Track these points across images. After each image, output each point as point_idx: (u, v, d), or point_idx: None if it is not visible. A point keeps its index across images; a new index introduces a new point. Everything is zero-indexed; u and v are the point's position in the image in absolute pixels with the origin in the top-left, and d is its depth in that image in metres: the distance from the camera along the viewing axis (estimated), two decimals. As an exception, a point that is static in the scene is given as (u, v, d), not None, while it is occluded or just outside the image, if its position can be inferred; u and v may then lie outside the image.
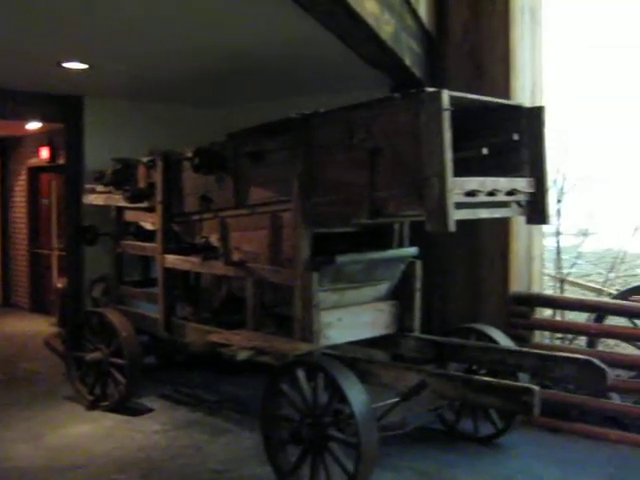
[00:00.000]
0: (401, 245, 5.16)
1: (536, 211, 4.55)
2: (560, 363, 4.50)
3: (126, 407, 6.17)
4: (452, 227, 3.78)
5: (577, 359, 4.44)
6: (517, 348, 4.97)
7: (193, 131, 7.77)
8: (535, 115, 4.59)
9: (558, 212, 6.54)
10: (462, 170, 4.00)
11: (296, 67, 6.54)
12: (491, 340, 5.07)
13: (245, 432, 5.58)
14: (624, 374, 5.64)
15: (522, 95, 5.82)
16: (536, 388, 3.94)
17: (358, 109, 4.32)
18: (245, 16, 4.93)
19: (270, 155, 5.03)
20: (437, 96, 3.81)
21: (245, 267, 5.25)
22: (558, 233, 6.60)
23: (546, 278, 7.14)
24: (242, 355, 4.79)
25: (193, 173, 5.54)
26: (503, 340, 5.09)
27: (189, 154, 5.57)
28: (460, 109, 4.02)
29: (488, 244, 5.82)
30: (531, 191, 4.49)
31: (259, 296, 5.24)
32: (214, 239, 5.55)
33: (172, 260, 6.03)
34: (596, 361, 4.31)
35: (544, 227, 6.10)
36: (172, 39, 5.58)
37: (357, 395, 4.02)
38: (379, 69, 5.45)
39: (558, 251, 6.62)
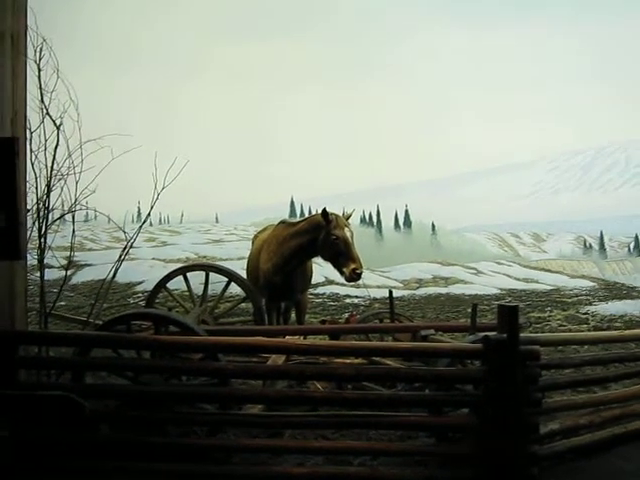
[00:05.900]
0: None
1: (8, 246, 4.35)
2: (40, 401, 4.39)
3: None
4: None
5: (56, 396, 4.38)
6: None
7: None
8: (6, 146, 4.42)
9: (41, 245, 6.39)
10: None
11: None
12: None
13: None
14: (112, 403, 5.71)
15: (2, 125, 5.55)
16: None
17: None
18: None
19: None
20: None
21: None
22: (43, 267, 6.44)
23: (34, 313, 6.92)
24: None
25: None
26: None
27: None
28: None
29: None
30: (1, 225, 4.29)
31: None
32: None
33: None
34: (74, 396, 4.30)
35: (30, 261, 5.90)
36: None
37: None
38: None
39: (42, 285, 6.46)
